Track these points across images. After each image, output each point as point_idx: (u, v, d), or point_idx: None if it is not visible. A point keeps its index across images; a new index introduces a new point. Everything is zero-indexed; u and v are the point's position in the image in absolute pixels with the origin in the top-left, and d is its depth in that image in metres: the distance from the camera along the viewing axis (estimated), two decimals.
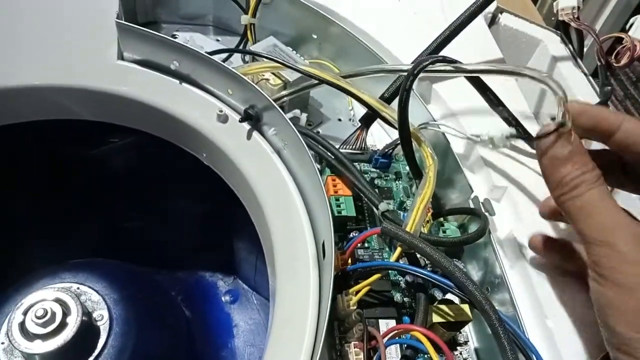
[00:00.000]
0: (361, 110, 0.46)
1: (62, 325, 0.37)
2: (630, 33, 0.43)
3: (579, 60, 0.45)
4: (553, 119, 0.26)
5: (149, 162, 0.49)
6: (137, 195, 0.51)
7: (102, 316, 0.40)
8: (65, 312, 0.37)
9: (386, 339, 0.27)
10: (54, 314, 0.37)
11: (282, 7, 0.45)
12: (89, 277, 0.43)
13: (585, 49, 0.49)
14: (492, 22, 0.48)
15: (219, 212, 0.52)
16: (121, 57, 0.40)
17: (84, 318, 0.38)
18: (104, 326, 0.40)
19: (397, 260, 0.29)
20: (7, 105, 0.39)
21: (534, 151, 0.37)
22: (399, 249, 0.29)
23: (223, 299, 0.55)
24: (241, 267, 0.55)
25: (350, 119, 0.45)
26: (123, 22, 0.38)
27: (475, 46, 0.42)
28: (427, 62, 0.32)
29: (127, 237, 0.53)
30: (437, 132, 0.38)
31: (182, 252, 0.55)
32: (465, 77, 0.34)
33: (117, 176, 0.51)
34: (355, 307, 0.29)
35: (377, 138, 0.43)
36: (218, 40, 0.48)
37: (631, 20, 0.57)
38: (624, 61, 0.42)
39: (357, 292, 0.29)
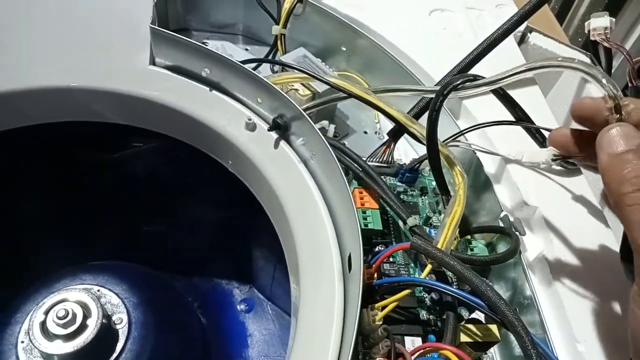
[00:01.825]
0: (387, 123, 0.47)
1: (83, 327, 0.37)
2: None
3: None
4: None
5: (171, 167, 0.49)
6: (158, 199, 0.51)
7: (121, 320, 0.40)
8: (86, 314, 0.37)
9: (414, 356, 0.27)
10: (74, 315, 0.37)
11: (312, 19, 0.46)
12: (109, 279, 0.43)
13: (612, 70, 0.48)
14: (522, 41, 0.48)
15: (238, 220, 0.52)
16: (153, 62, 0.40)
17: (103, 321, 0.38)
18: (122, 330, 0.40)
19: (427, 276, 0.28)
20: (38, 105, 0.39)
21: (563, 169, 0.36)
22: (429, 266, 0.28)
23: (238, 307, 0.55)
24: (258, 276, 0.55)
25: (376, 132, 0.45)
26: (157, 27, 0.38)
27: (504, 64, 0.42)
28: (457, 82, 0.32)
29: (146, 241, 0.53)
30: (466, 148, 0.38)
31: (199, 258, 0.55)
32: (494, 93, 0.33)
33: (139, 180, 0.51)
34: (381, 323, 0.29)
35: (402, 152, 0.43)
36: (247, 50, 0.49)
37: None
38: None
39: (384, 307, 0.29)
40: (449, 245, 0.30)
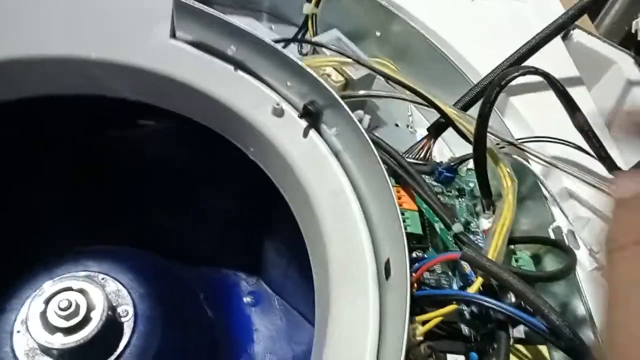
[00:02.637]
0: (420, 117, 0.44)
1: (86, 319, 0.34)
2: None
3: None
4: None
5: (186, 150, 0.46)
6: (168, 184, 0.48)
7: (126, 312, 0.37)
8: (90, 306, 0.34)
9: None
10: (78, 307, 0.34)
11: (347, 0, 0.42)
12: (114, 267, 0.40)
13: None
14: (565, 37, 0.45)
15: (253, 210, 0.49)
16: (173, 35, 0.37)
17: (109, 313, 0.35)
18: (127, 323, 0.37)
19: (477, 291, 0.26)
20: (45, 73, 0.36)
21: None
22: (479, 280, 0.26)
23: (245, 300, 0.52)
24: (267, 269, 0.52)
25: (408, 125, 0.42)
26: None
27: (550, 61, 0.39)
28: (516, 74, 0.29)
29: (153, 227, 0.50)
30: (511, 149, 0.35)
31: (207, 247, 0.52)
32: (557, 94, 0.31)
33: (150, 163, 0.48)
34: (422, 338, 0.26)
35: (436, 149, 0.40)
36: (271, 28, 0.45)
37: None
38: None
39: (424, 321, 0.26)
40: (500, 256, 0.27)
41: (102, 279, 0.38)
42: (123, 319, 0.37)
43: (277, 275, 0.51)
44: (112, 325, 0.36)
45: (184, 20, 0.36)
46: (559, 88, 0.30)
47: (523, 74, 0.28)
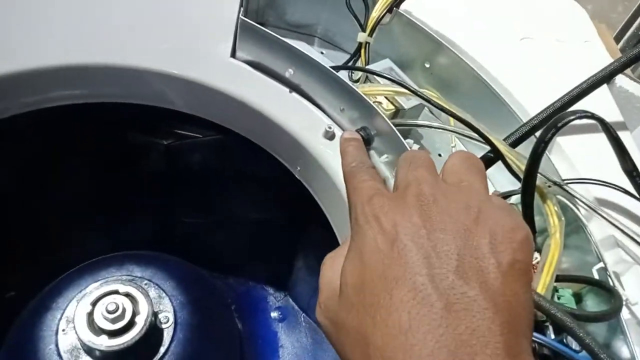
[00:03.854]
0: (462, 149, 0.45)
1: (131, 324, 0.35)
2: None
3: None
4: None
5: (228, 162, 0.47)
6: (207, 194, 0.50)
7: (167, 319, 0.38)
8: (135, 310, 0.35)
9: None
10: (124, 311, 0.35)
11: (397, 30, 0.44)
12: (156, 273, 0.41)
13: None
14: (608, 82, 0.46)
15: (287, 226, 0.50)
16: (233, 55, 0.38)
17: (152, 319, 0.36)
18: (168, 330, 0.38)
19: None
20: (110, 82, 0.37)
21: None
22: None
23: (272, 315, 0.53)
24: (296, 286, 0.53)
25: None
26: (247, 20, 0.36)
27: (596, 104, 0.40)
28: (573, 117, 0.30)
29: (187, 235, 0.51)
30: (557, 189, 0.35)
31: (238, 258, 0.53)
32: (609, 139, 0.31)
33: (191, 171, 0.49)
34: None
35: None
36: (322, 53, 0.47)
37: None
38: None
39: None
40: (548, 292, 0.28)
41: (146, 284, 0.39)
42: (164, 326, 0.38)
43: (306, 293, 0.52)
44: (154, 331, 0.37)
45: (246, 41, 0.38)
46: (612, 133, 0.31)
47: (580, 118, 0.29)
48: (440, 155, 0.43)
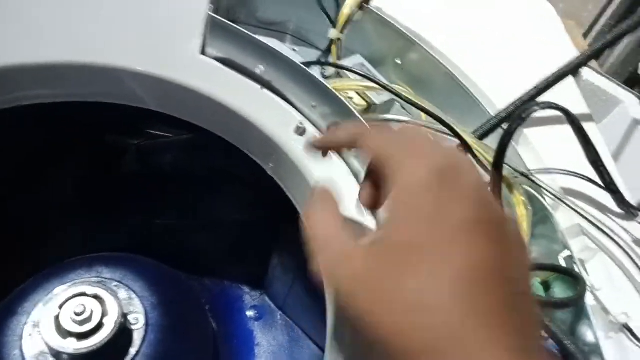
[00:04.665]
0: None
1: (100, 326, 0.34)
2: None
3: None
4: None
5: (200, 162, 0.47)
6: (181, 194, 0.49)
7: (137, 320, 0.37)
8: (104, 312, 0.35)
9: None
10: (92, 312, 0.34)
11: (368, 27, 0.44)
12: (127, 274, 0.40)
13: None
14: (575, 75, 0.47)
15: (261, 224, 0.50)
16: (203, 52, 0.38)
17: (121, 320, 0.35)
18: (138, 331, 0.37)
19: None
20: (79, 80, 0.37)
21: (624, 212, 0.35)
22: None
23: (247, 313, 0.52)
24: (272, 285, 0.53)
25: None
26: (217, 16, 0.36)
27: (563, 97, 0.41)
28: (536, 108, 0.31)
29: (161, 236, 0.50)
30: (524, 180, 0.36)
31: (213, 259, 0.52)
32: (574, 130, 0.32)
33: (164, 171, 0.48)
34: None
35: None
36: (295, 50, 0.47)
37: None
38: None
39: None
40: None
41: (115, 285, 0.38)
42: (134, 327, 0.37)
43: (282, 291, 0.51)
44: (123, 333, 0.36)
45: (215, 38, 0.37)
46: (576, 123, 0.31)
47: (543, 109, 0.30)
48: None
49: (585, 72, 0.48)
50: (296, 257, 0.47)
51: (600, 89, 0.47)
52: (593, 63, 0.66)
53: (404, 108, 0.45)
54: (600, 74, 0.48)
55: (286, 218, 0.41)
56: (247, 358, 0.49)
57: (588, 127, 0.41)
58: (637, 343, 0.27)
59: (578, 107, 0.43)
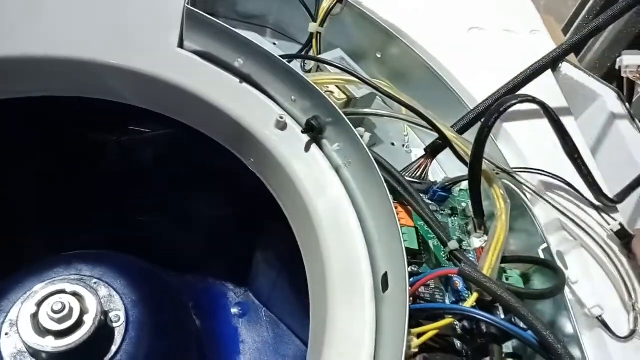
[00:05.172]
0: (415, 137, 0.45)
1: (79, 323, 0.34)
2: None
3: (636, 119, 0.45)
4: None
5: (180, 157, 0.47)
6: (161, 189, 0.48)
7: (118, 317, 0.37)
8: (83, 309, 0.34)
9: None
10: (71, 310, 0.34)
11: (348, 21, 0.44)
12: (107, 271, 0.40)
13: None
14: (554, 69, 0.47)
15: (244, 220, 0.50)
16: (181, 45, 0.38)
17: (101, 318, 0.35)
18: (119, 329, 0.37)
19: (471, 306, 0.27)
20: (54, 75, 0.36)
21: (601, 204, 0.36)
22: (475, 295, 0.27)
23: (232, 311, 0.52)
24: (256, 281, 0.53)
25: (404, 145, 0.43)
26: (194, 9, 0.35)
27: (541, 91, 0.41)
28: (515, 101, 0.31)
29: (142, 233, 0.50)
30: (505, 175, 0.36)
31: (195, 255, 0.52)
32: (551, 122, 0.32)
33: (144, 167, 0.48)
34: (416, 350, 0.27)
35: (430, 171, 0.41)
36: (275, 44, 0.46)
37: None
38: None
39: (420, 333, 0.27)
40: (494, 273, 0.28)
41: (95, 283, 0.38)
42: (114, 324, 0.37)
43: (266, 287, 0.51)
44: (104, 331, 0.35)
45: (193, 31, 0.37)
46: (553, 117, 0.32)
47: (521, 102, 0.30)
48: (393, 144, 0.43)
49: (565, 67, 0.48)
50: (279, 253, 0.47)
51: (579, 84, 0.47)
52: (572, 58, 0.67)
53: (385, 103, 0.46)
54: (579, 68, 0.48)
55: (269, 213, 0.41)
56: (232, 355, 0.49)
57: (566, 121, 0.42)
58: (611, 335, 0.28)
59: (556, 101, 0.43)
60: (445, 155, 0.39)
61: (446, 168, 0.42)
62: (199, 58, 0.38)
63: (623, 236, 0.33)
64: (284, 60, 0.34)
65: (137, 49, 0.37)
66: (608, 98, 0.46)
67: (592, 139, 0.46)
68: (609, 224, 0.34)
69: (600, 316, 0.28)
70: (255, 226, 0.48)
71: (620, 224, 0.33)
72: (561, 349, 0.23)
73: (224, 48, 0.37)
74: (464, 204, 0.37)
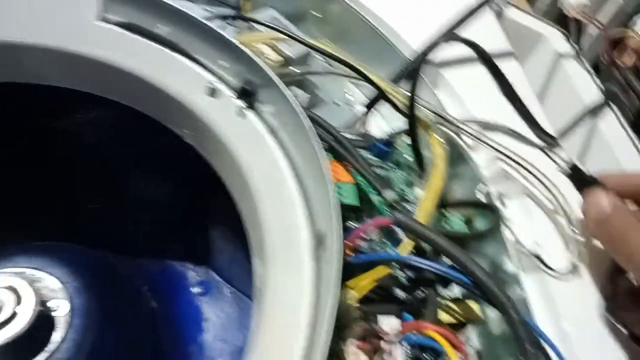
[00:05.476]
0: (360, 95, 0.44)
1: (13, 315, 0.32)
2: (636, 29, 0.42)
3: (582, 57, 0.45)
4: None
5: (119, 137, 0.45)
6: (103, 173, 0.47)
7: (59, 306, 0.36)
8: (18, 301, 0.33)
9: (394, 337, 0.25)
10: (3, 303, 0.32)
11: None
12: (46, 262, 0.38)
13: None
14: (499, 15, 0.46)
15: (195, 196, 0.48)
16: (101, 17, 0.36)
17: (39, 308, 0.33)
18: (62, 318, 0.35)
19: (408, 254, 0.26)
20: None
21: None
22: (410, 242, 0.26)
23: (193, 290, 0.51)
24: (215, 258, 0.51)
25: (347, 104, 0.42)
26: None
27: (483, 36, 0.40)
28: (443, 42, 0.30)
29: (89, 220, 0.48)
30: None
31: (148, 237, 0.50)
32: (484, 63, 0.31)
33: (83, 151, 0.46)
34: (356, 303, 0.26)
35: (376, 127, 0.40)
36: (207, 10, 0.44)
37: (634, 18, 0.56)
38: (629, 61, 0.41)
39: (359, 286, 0.27)
40: (430, 219, 0.28)
41: (32, 274, 0.36)
42: (57, 313, 0.35)
43: (226, 262, 0.50)
44: (44, 321, 0.34)
45: (113, 2, 0.35)
46: (485, 57, 0.31)
47: (447, 41, 0.29)
48: (337, 104, 0.42)
49: (511, 11, 0.47)
50: (232, 224, 0.46)
51: (526, 27, 0.47)
52: (524, 5, 0.66)
53: (329, 64, 0.44)
54: (527, 12, 0.47)
55: (217, 186, 0.40)
56: (195, 334, 0.48)
57: (509, 63, 0.41)
58: (548, 271, 0.27)
59: (498, 44, 0.42)
60: (391, 109, 0.38)
61: (393, 124, 0.41)
62: (122, 29, 0.36)
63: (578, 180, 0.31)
64: (208, 22, 0.33)
65: (55, 25, 0.35)
66: (554, 38, 0.46)
67: (540, 81, 0.45)
68: (556, 162, 0.33)
69: (537, 253, 0.28)
70: (205, 201, 0.47)
71: (574, 166, 0.31)
72: (493, 285, 0.23)
73: (147, 16, 0.35)
74: (410, 158, 0.37)
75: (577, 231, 0.29)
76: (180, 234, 0.50)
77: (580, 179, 0.29)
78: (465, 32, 0.38)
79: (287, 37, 0.33)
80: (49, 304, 0.35)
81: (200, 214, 0.48)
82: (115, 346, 0.39)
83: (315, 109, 0.41)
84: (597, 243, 0.28)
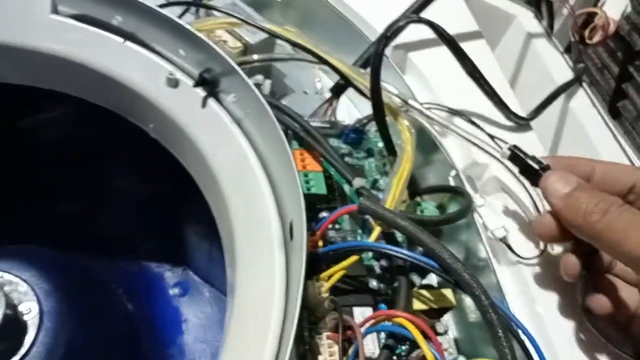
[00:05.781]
0: (329, 83, 0.43)
1: None
2: (603, 8, 0.42)
3: (553, 38, 0.44)
4: None
5: (86, 136, 0.43)
6: (72, 173, 0.45)
7: (30, 309, 0.35)
8: None
9: (365, 327, 0.24)
10: None
11: None
12: (15, 264, 0.37)
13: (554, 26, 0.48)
14: None
15: (168, 193, 0.47)
16: (54, 10, 0.34)
17: (7, 311, 0.32)
18: (32, 321, 0.34)
19: (375, 240, 0.25)
20: None
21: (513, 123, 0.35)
22: (377, 228, 0.26)
23: (171, 291, 0.50)
24: (192, 257, 0.51)
25: (317, 92, 0.41)
26: None
27: (451, 20, 0.39)
28: (402, 23, 0.29)
29: (61, 222, 0.47)
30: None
31: (123, 239, 0.49)
32: (445, 43, 0.31)
33: (50, 151, 0.44)
34: (327, 295, 0.26)
35: (346, 113, 0.40)
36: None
37: None
38: (597, 39, 0.41)
39: (330, 277, 0.26)
40: (398, 205, 0.27)
41: (1, 277, 0.35)
42: (26, 317, 0.34)
43: (203, 262, 0.49)
44: (13, 324, 0.33)
45: None
46: (446, 37, 0.30)
47: (407, 23, 0.28)
48: (305, 92, 0.41)
49: None
50: (206, 221, 0.45)
51: (493, 7, 0.46)
52: None
53: (294, 49, 0.43)
54: None
55: (187, 182, 0.39)
56: (174, 336, 0.47)
57: (478, 44, 0.41)
58: (514, 256, 0.27)
59: (467, 26, 0.41)
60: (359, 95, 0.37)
61: (363, 110, 0.40)
62: (76, 21, 0.34)
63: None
64: (162, 11, 0.32)
65: (6, 21, 0.33)
66: (523, 18, 0.45)
67: (512, 62, 0.45)
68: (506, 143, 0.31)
69: (504, 237, 0.27)
70: (178, 199, 0.46)
71: (514, 147, 0.29)
72: (461, 269, 0.22)
73: (100, 7, 0.34)
74: (380, 144, 0.36)
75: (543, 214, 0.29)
76: (155, 234, 0.49)
77: (526, 165, 0.28)
78: (431, 14, 0.38)
79: (245, 24, 0.32)
80: (20, 308, 0.34)
81: (174, 211, 0.47)
82: (91, 349, 0.39)
83: (284, 98, 0.40)
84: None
